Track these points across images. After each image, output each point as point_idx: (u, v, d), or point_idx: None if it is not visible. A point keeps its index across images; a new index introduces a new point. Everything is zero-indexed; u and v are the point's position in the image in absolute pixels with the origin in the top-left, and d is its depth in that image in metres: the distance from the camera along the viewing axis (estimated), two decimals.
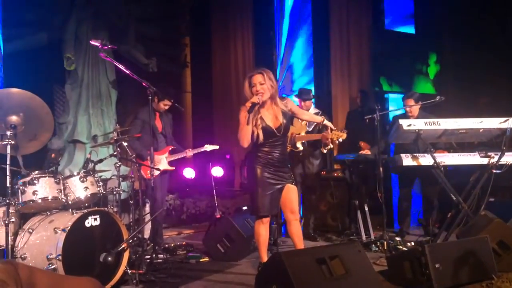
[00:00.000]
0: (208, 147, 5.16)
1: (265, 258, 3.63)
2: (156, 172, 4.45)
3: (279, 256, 2.83)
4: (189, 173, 7.55)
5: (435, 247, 3.48)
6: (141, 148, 4.79)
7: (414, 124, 4.42)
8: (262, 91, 3.48)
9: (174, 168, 5.08)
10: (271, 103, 3.57)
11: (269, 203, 3.55)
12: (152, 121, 4.82)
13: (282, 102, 3.65)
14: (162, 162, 4.92)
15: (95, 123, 7.03)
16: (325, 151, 5.03)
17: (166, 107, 5.00)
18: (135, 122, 4.94)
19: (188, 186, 7.69)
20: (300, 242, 3.67)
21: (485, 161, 4.49)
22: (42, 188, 3.61)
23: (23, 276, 1.00)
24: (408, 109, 5.30)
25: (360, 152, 5.44)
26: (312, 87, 7.29)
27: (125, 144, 4.32)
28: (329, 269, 2.89)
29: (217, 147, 5.30)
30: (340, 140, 4.37)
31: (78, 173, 3.92)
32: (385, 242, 4.44)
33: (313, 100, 5.53)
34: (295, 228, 3.68)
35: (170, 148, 5.06)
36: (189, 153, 5.04)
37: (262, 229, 3.62)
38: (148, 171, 4.62)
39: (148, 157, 4.62)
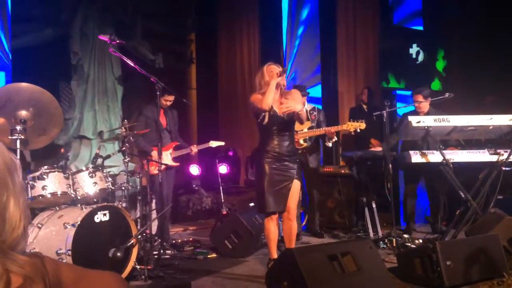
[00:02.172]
0: (213, 143, 5.13)
1: (275, 254, 3.62)
2: (162, 167, 4.42)
3: (291, 252, 2.81)
4: (194, 169, 7.55)
5: (446, 244, 3.46)
6: (144, 144, 4.79)
7: (423, 120, 4.39)
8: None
9: (178, 164, 5.07)
10: (280, 92, 3.65)
11: (276, 200, 3.54)
12: (156, 117, 4.84)
13: (288, 93, 3.77)
14: (166, 158, 4.91)
15: (101, 119, 7.03)
16: (330, 145, 5.06)
17: (168, 103, 4.98)
18: (139, 119, 4.94)
19: (194, 182, 7.68)
20: (289, 242, 3.64)
21: (494, 158, 4.45)
22: (52, 183, 3.60)
23: (50, 270, 0.98)
24: (416, 105, 5.26)
25: (370, 149, 5.44)
26: (319, 84, 7.27)
27: (132, 139, 4.31)
28: (341, 265, 2.87)
29: (222, 143, 5.27)
30: (358, 130, 4.43)
31: (87, 168, 3.92)
32: (394, 239, 4.41)
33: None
34: (287, 226, 3.66)
35: (175, 145, 5.05)
36: (194, 149, 5.03)
37: (272, 226, 3.61)
38: (152, 167, 4.63)
39: (152, 153, 4.64)
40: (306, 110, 5.29)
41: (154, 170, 4.66)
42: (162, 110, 4.98)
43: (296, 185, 3.63)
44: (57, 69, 6.89)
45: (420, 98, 5.23)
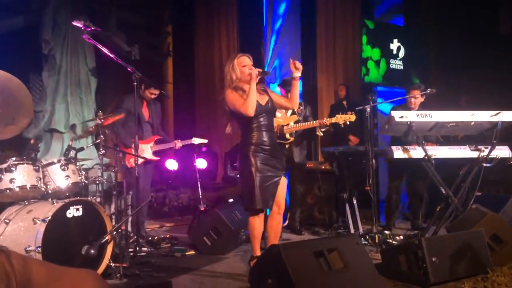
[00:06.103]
0: (196, 140, 5.07)
1: (258, 251, 3.49)
2: (140, 160, 4.26)
3: (277, 249, 2.69)
4: (172, 164, 7.38)
5: (432, 240, 3.41)
6: (125, 135, 4.66)
7: (406, 116, 4.33)
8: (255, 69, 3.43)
9: (158, 158, 4.94)
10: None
11: (265, 196, 3.42)
12: (138, 109, 4.66)
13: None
14: (147, 151, 4.80)
15: (73, 112, 6.77)
16: (321, 134, 4.99)
17: (153, 96, 4.91)
18: (119, 112, 4.74)
19: (170, 178, 7.50)
20: (275, 238, 3.56)
21: (475, 154, 4.44)
22: (20, 175, 3.39)
23: (18, 267, 0.83)
24: (412, 100, 5.24)
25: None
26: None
27: (107, 132, 4.12)
28: (328, 262, 2.77)
29: (205, 141, 5.26)
30: (347, 122, 4.39)
31: (59, 161, 3.70)
32: (376, 236, 4.35)
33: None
34: (276, 221, 3.57)
35: (156, 138, 4.92)
36: (178, 144, 4.94)
37: (257, 222, 3.49)
38: (131, 159, 4.44)
39: (132, 146, 4.45)
40: None
41: (131, 162, 4.48)
42: (145, 102, 4.92)
43: (283, 180, 3.56)
44: (27, 59, 6.60)
45: (417, 93, 5.23)
